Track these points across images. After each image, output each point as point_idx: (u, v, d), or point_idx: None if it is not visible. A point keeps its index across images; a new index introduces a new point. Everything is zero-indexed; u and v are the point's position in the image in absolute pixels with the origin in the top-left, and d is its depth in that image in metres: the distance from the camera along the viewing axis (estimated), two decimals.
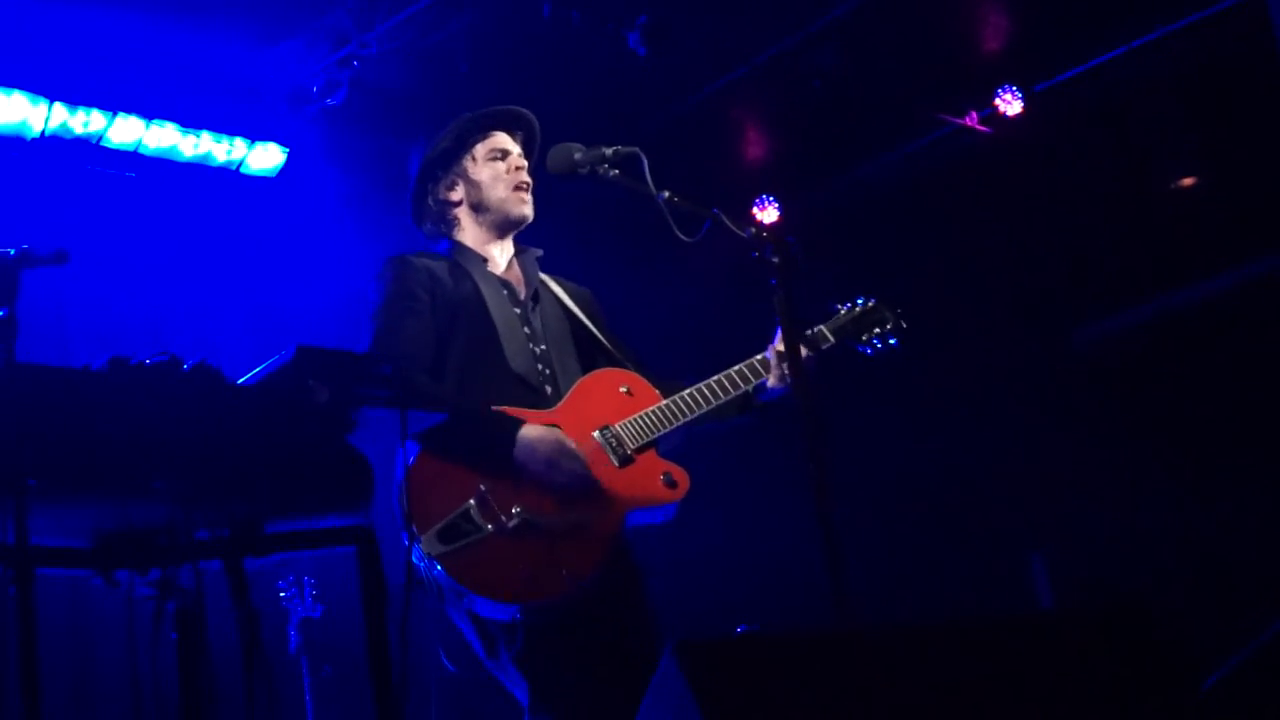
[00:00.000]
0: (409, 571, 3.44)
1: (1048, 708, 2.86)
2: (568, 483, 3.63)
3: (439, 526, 3.51)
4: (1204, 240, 7.07)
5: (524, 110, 4.15)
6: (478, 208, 4.05)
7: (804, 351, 3.64)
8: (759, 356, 3.94)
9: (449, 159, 4.06)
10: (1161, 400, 7.14)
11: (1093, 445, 7.25)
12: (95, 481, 2.58)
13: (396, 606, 2.97)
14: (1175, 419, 7.05)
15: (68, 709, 5.51)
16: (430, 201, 4.08)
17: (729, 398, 3.89)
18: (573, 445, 3.67)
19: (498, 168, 4.04)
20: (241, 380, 2.86)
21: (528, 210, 4.05)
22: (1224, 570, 6.59)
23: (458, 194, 4.06)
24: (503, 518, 3.55)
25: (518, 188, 4.04)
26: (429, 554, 3.48)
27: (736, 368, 3.93)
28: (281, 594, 5.60)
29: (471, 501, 3.55)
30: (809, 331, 3.98)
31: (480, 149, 4.06)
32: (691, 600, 6.72)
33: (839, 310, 4.13)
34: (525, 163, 4.09)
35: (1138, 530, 6.92)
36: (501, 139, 4.09)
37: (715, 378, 3.91)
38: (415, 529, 3.47)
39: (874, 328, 4.10)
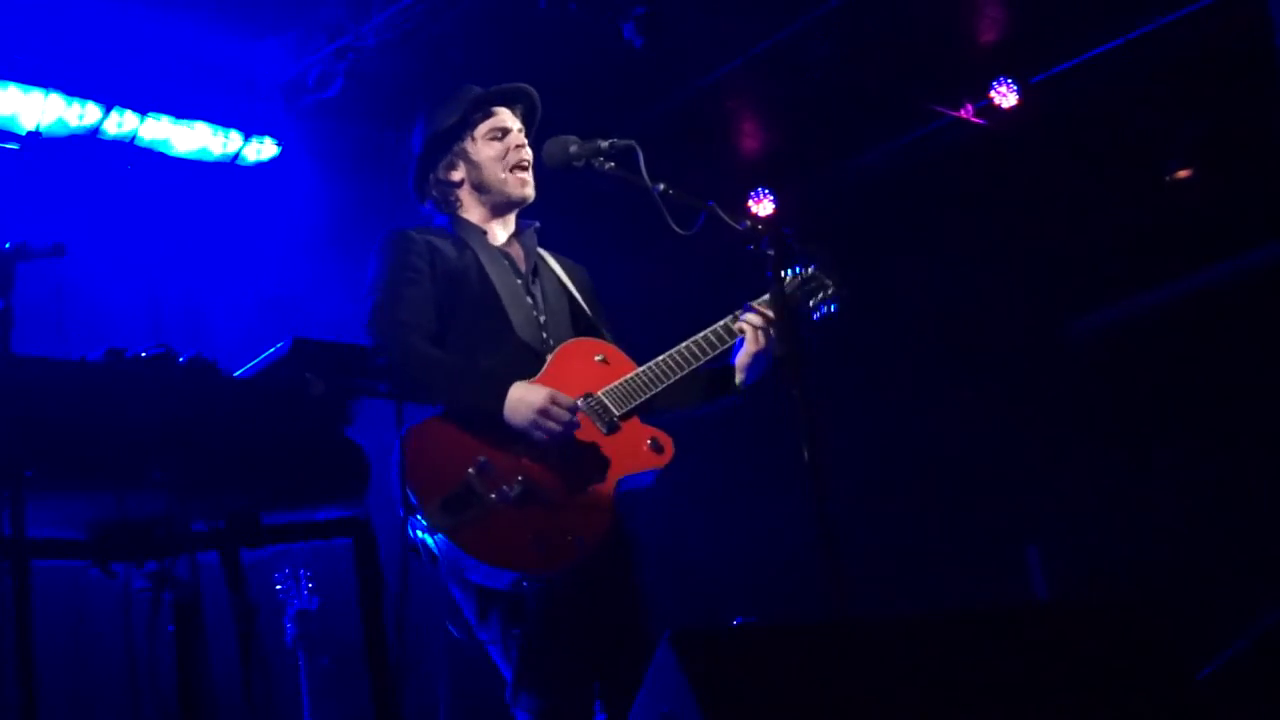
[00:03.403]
0: (404, 553, 3.42)
1: (1042, 699, 2.86)
2: (561, 430, 3.61)
3: (442, 499, 3.49)
4: (1200, 232, 7.08)
5: (523, 85, 4.15)
6: (479, 187, 4.05)
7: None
8: (726, 319, 3.93)
9: (450, 139, 4.06)
10: (1157, 392, 7.15)
11: (1088, 437, 7.27)
12: (92, 473, 2.58)
13: (393, 598, 2.97)
14: (1171, 411, 7.06)
15: (65, 701, 5.51)
16: (432, 181, 4.09)
17: (705, 359, 3.89)
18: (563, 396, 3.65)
19: (497, 147, 4.04)
20: (238, 372, 2.86)
21: (529, 191, 4.05)
22: (1218, 562, 6.60)
23: (459, 174, 4.06)
24: (504, 486, 3.54)
25: (517, 168, 4.03)
26: (434, 527, 3.46)
27: (704, 333, 3.92)
28: (278, 586, 5.60)
29: (471, 471, 3.54)
30: (754, 303, 3.95)
31: (481, 129, 4.06)
32: (687, 592, 6.74)
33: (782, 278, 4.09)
34: (525, 140, 4.09)
35: (1133, 522, 6.94)
36: (502, 116, 4.09)
37: (687, 342, 3.90)
38: (417, 502, 3.46)
39: (816, 293, 4.05)
